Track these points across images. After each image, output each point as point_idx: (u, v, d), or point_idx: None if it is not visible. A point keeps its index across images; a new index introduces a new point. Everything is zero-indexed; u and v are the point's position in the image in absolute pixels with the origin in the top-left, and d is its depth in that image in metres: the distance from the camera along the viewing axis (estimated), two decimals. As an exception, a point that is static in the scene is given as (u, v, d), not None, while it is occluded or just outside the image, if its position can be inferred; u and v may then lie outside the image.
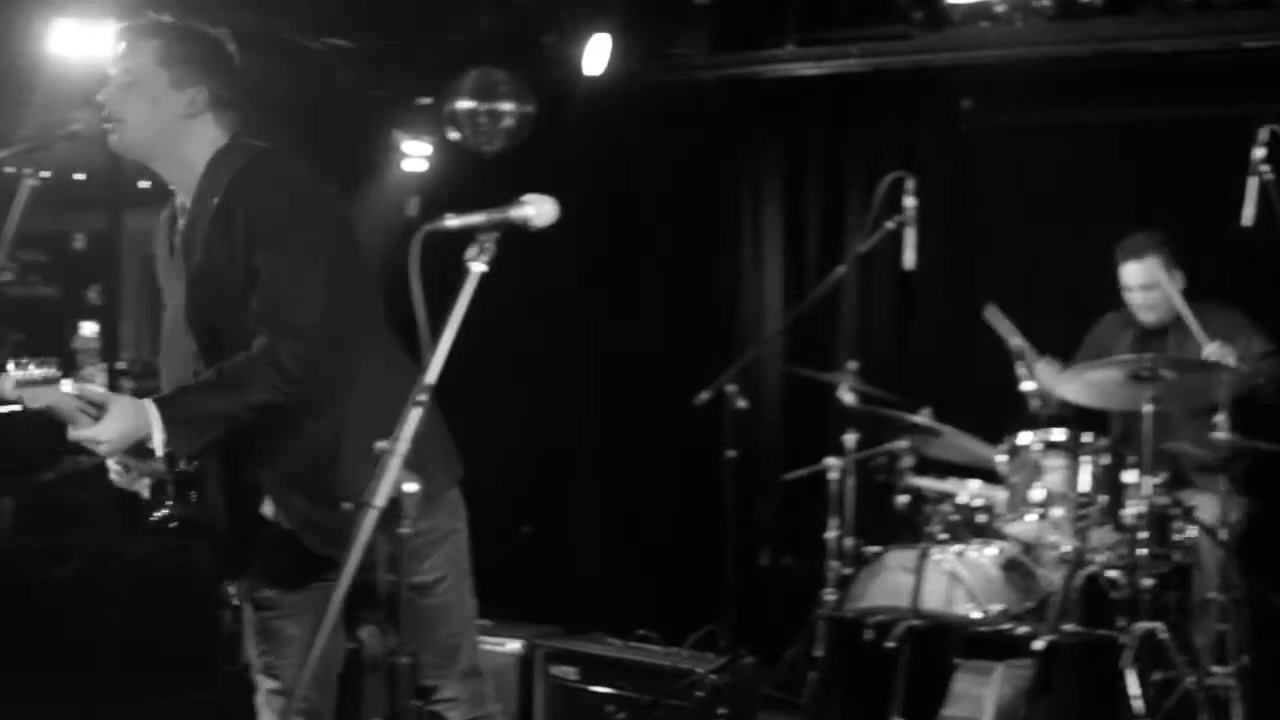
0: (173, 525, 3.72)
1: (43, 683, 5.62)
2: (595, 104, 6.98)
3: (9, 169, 3.50)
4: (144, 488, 3.73)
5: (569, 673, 5.97)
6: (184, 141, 3.67)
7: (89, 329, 7.33)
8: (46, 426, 3.52)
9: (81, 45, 5.67)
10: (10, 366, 3.32)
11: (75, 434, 3.40)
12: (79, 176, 5.62)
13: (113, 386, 3.75)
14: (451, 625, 3.92)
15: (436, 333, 2.99)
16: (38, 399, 3.36)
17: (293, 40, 6.86)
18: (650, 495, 7.33)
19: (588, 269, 7.62)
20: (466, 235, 3.10)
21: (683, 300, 7.64)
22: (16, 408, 3.42)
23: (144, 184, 4.80)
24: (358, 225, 3.95)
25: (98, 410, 3.40)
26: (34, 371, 3.34)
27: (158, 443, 3.45)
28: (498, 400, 7.31)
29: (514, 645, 6.09)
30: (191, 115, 3.66)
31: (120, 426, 3.40)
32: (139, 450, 3.50)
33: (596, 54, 6.65)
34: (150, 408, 3.44)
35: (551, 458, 7.68)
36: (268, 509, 3.77)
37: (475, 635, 4.08)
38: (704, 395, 5.85)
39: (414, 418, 3.01)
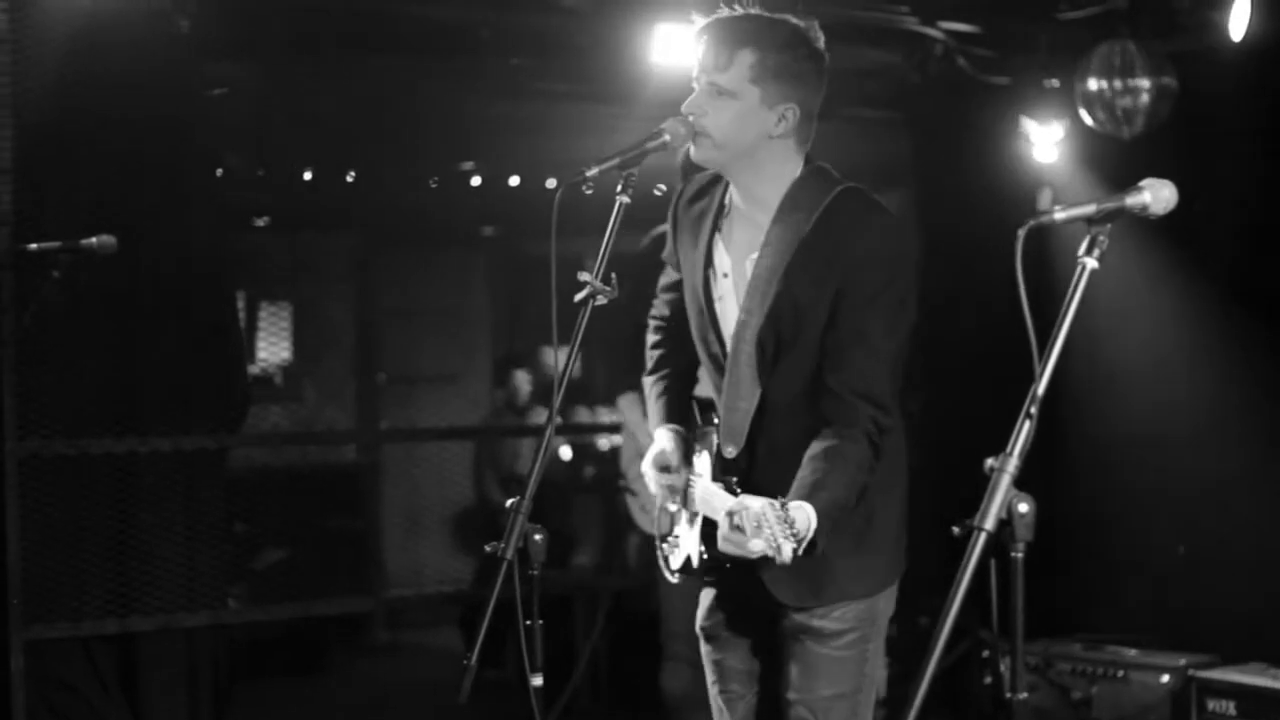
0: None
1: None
2: (1242, 72, 6.29)
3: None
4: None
5: (1227, 707, 5.71)
6: (765, 159, 3.47)
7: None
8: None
9: (683, 50, 5.59)
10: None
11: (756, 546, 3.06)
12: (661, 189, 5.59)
13: None
14: None
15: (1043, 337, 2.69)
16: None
17: (912, 29, 6.69)
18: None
19: (1241, 256, 6.80)
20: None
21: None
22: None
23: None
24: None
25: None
26: None
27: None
28: (1147, 408, 6.86)
29: (1166, 677, 5.98)
30: (778, 135, 3.44)
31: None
32: None
33: (1239, 14, 5.97)
34: (814, 516, 3.18)
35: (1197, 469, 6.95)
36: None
37: None
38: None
39: (1026, 431, 2.71)
